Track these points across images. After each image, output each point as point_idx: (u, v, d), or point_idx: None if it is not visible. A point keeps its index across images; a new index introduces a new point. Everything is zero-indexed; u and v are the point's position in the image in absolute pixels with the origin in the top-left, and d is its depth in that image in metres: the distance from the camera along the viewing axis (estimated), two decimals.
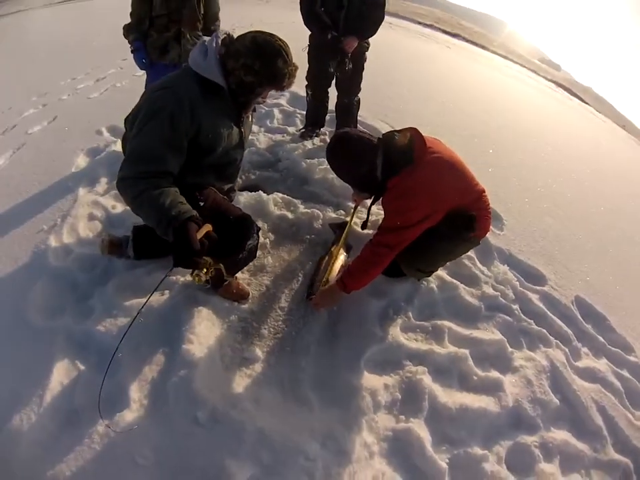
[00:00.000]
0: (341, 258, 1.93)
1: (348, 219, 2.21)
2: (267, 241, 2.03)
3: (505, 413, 1.50)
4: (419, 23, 15.63)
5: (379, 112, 3.41)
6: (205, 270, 1.14)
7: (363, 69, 2.77)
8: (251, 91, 1.31)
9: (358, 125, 3.19)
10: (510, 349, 1.73)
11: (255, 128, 3.17)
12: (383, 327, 1.68)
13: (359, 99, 2.93)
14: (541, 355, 1.77)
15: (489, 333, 1.80)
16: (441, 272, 2.02)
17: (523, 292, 2.09)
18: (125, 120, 1.41)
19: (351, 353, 1.57)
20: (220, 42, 1.28)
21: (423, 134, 1.59)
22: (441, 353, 1.62)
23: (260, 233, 1.60)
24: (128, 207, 2.08)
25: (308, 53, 2.70)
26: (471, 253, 2.22)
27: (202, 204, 1.24)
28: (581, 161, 5.23)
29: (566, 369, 1.73)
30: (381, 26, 2.56)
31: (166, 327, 1.50)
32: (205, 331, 1.50)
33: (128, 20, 2.24)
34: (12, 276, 1.69)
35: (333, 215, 2.26)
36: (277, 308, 1.72)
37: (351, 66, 2.57)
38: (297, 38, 2.75)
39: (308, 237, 2.13)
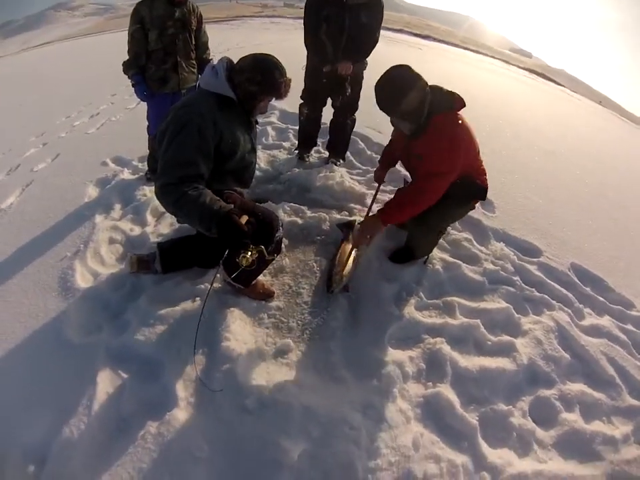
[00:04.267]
0: (353, 252, 2.06)
1: (353, 218, 2.38)
2: (282, 245, 2.16)
3: (521, 371, 1.64)
4: (389, 29, 16.16)
5: (365, 119, 3.60)
6: (250, 252, 1.27)
7: (361, 88, 2.73)
8: (254, 98, 1.54)
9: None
10: (517, 315, 1.88)
11: None
12: (399, 307, 1.82)
13: (355, 118, 2.93)
14: (547, 318, 1.92)
15: (495, 303, 1.95)
16: (442, 254, 2.18)
17: (521, 264, 2.25)
18: (149, 141, 1.57)
19: (374, 333, 1.71)
20: (225, 64, 1.53)
21: None
22: (455, 324, 1.76)
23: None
24: (147, 228, 2.26)
25: (305, 72, 2.73)
26: (467, 235, 2.40)
27: (232, 206, 1.39)
28: (561, 139, 5.48)
29: (572, 328, 1.89)
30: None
31: (202, 330, 1.60)
32: (239, 329, 1.63)
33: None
34: (44, 302, 1.78)
35: (338, 216, 2.42)
36: (301, 302, 1.86)
37: (349, 91, 2.56)
38: (295, 55, 2.92)
39: (318, 237, 2.29)
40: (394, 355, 1.59)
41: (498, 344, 1.73)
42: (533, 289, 2.08)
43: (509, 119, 5.53)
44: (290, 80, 1.57)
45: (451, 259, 2.15)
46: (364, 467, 1.22)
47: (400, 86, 1.60)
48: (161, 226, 2.31)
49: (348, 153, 3.21)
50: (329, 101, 2.79)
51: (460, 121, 1.66)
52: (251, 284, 1.80)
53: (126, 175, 2.82)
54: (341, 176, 2.80)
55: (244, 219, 1.35)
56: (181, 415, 1.32)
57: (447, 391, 1.49)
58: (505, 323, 1.85)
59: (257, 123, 1.79)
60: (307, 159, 3.08)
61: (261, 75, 1.48)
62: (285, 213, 2.38)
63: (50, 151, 3.40)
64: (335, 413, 1.33)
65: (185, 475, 1.18)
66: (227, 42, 8.87)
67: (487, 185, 1.86)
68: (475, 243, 2.36)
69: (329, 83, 2.55)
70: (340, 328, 1.75)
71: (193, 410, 1.35)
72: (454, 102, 1.66)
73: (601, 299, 2.17)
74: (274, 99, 1.59)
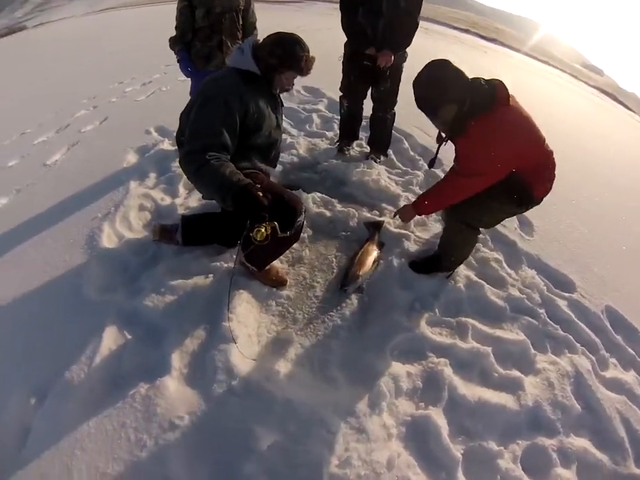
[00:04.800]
0: (375, 253, 2.04)
1: (382, 218, 2.34)
2: (305, 235, 2.16)
3: (524, 412, 1.52)
4: (455, 28, 15.41)
5: (414, 119, 3.46)
6: (264, 228, 1.28)
7: (400, 81, 2.64)
8: (275, 70, 1.58)
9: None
10: (533, 351, 1.75)
11: (294, 132, 3.35)
12: (410, 318, 1.76)
13: (395, 112, 2.84)
14: (566, 361, 1.77)
15: (512, 334, 1.82)
16: (468, 272, 2.07)
17: (550, 297, 2.09)
18: (181, 114, 1.63)
19: (378, 340, 1.66)
20: (251, 43, 1.60)
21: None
22: (464, 347, 1.67)
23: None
24: (177, 199, 2.32)
25: (343, 63, 2.68)
26: (498, 255, 2.26)
27: (259, 186, 1.40)
28: (622, 170, 5.02)
29: (591, 377, 1.72)
30: (416, 33, 2.49)
31: (209, 307, 1.64)
32: (244, 311, 1.64)
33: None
34: (69, 256, 1.90)
35: (368, 215, 2.37)
36: (312, 296, 1.85)
37: (389, 83, 2.50)
38: (333, 45, 2.86)
39: (344, 233, 2.26)
40: (392, 366, 1.54)
41: (505, 378, 1.62)
42: (558, 327, 1.93)
43: (568, 138, 5.13)
44: (313, 57, 1.59)
45: (475, 278, 2.04)
46: (330, 473, 1.19)
47: (439, 91, 1.54)
48: (191, 199, 2.36)
49: (390, 151, 3.12)
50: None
51: (501, 122, 1.52)
52: (265, 268, 1.81)
53: (166, 145, 2.91)
54: (378, 174, 2.73)
55: (261, 194, 1.34)
56: (171, 383, 1.37)
57: (437, 416, 1.42)
58: (518, 357, 1.73)
59: (282, 104, 1.81)
60: (347, 152, 3.03)
61: (281, 48, 1.54)
62: (314, 203, 2.37)
63: (99, 114, 3.58)
64: (316, 412, 1.31)
65: (161, 438, 1.22)
66: (289, 24, 8.85)
67: (538, 188, 1.69)
68: (504, 265, 2.22)
69: (368, 72, 2.48)
70: (345, 328, 1.73)
71: (183, 381, 1.40)
72: (495, 98, 1.52)
73: (631, 351, 1.96)
74: (296, 74, 1.62)
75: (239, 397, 1.34)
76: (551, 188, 1.75)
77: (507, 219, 2.11)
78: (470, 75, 1.59)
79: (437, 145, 1.82)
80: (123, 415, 1.27)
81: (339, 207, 2.38)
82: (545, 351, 1.80)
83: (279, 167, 2.70)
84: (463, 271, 2.07)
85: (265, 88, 1.62)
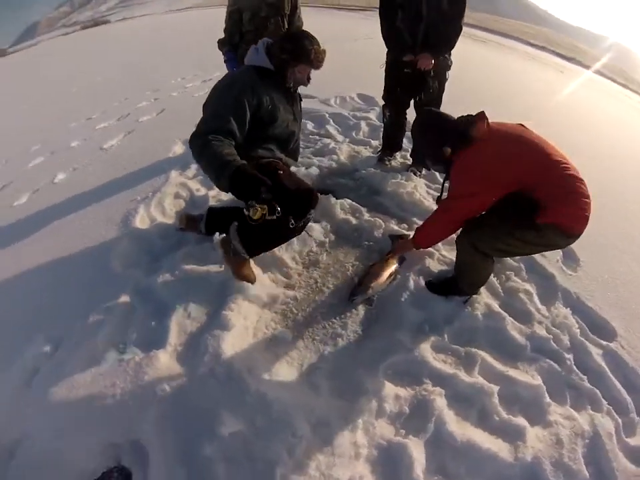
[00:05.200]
0: (392, 267, 1.97)
1: (408, 232, 2.25)
2: (327, 240, 2.17)
3: (518, 466, 1.34)
4: (529, 44, 14.52)
5: None
6: (260, 207, 1.29)
7: (443, 90, 2.55)
8: (287, 64, 1.66)
9: None
10: (548, 400, 1.56)
11: (340, 138, 3.39)
12: (415, 339, 1.67)
13: None
14: (585, 418, 1.55)
15: (527, 376, 1.65)
16: (490, 300, 1.92)
17: (582, 342, 1.86)
18: (203, 106, 1.74)
19: (374, 355, 1.60)
20: (265, 42, 1.71)
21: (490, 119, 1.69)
22: (466, 380, 1.54)
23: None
24: (210, 192, 2.46)
25: (385, 71, 2.63)
26: (530, 287, 2.07)
27: (281, 172, 1.50)
28: None
29: (611, 441, 1.48)
30: (458, 39, 2.36)
31: (216, 294, 1.72)
32: (247, 304, 1.69)
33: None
34: (105, 231, 2.11)
35: (395, 227, 2.31)
36: (319, 300, 1.85)
37: (436, 84, 2.40)
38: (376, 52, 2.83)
39: (367, 242, 2.22)
40: (382, 385, 1.46)
41: (506, 423, 1.45)
42: (585, 377, 1.70)
43: (635, 169, 4.58)
44: (323, 50, 1.67)
45: (497, 308, 1.89)
46: (283, 474, 1.17)
47: (422, 143, 1.89)
48: (224, 194, 2.48)
49: None
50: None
51: (479, 153, 1.63)
52: (254, 255, 1.77)
53: None
54: (415, 187, 2.66)
55: (257, 173, 1.39)
56: (163, 356, 1.46)
57: (416, 447, 1.31)
58: (528, 403, 1.55)
59: (300, 99, 1.89)
60: (388, 162, 2.98)
61: (291, 43, 1.64)
62: (342, 209, 2.37)
63: (158, 106, 3.93)
64: (287, 414, 1.29)
65: (141, 401, 1.32)
66: (356, 31, 9.00)
67: (559, 213, 1.55)
68: (535, 298, 2.02)
69: (409, 80, 2.42)
70: (344, 337, 1.69)
71: (175, 356, 1.50)
72: (471, 135, 1.65)
73: None
74: (307, 67, 1.69)
75: (219, 381, 1.37)
76: (584, 218, 1.59)
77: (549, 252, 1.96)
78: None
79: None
80: (115, 375, 1.40)
81: (366, 215, 2.35)
82: (563, 402, 1.60)
83: (315, 170, 2.75)
84: (484, 298, 1.93)
85: (279, 82, 1.70)
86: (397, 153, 3.05)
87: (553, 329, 1.89)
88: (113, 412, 1.29)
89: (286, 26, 2.58)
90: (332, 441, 1.27)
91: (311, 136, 3.42)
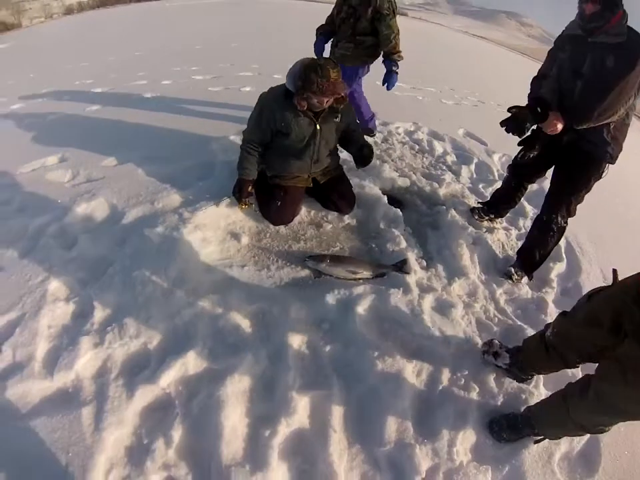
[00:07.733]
0: (366, 271, 1.97)
1: (415, 268, 2.04)
2: (347, 222, 2.35)
3: None
4: None
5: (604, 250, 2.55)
6: (241, 206, 2.21)
7: (589, 186, 1.95)
8: (297, 92, 1.93)
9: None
10: None
11: (462, 179, 3.10)
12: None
13: (567, 223, 2.05)
14: None
15: None
16: None
17: None
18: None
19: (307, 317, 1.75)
20: (300, 65, 1.93)
21: None
22: None
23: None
24: None
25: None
26: None
27: (251, 178, 2.18)
28: None
29: None
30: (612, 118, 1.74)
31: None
32: (228, 237, 2.15)
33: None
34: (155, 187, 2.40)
35: (413, 259, 2.10)
36: (287, 250, 2.13)
37: (535, 153, 1.99)
38: None
39: (376, 248, 2.23)
40: None
41: None
42: None
43: None
44: (331, 82, 1.84)
45: None
46: (212, 451, 1.25)
47: None
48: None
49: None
50: None
51: None
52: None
53: None
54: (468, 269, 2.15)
55: (250, 188, 2.18)
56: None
57: None
58: None
59: (337, 117, 2.12)
60: (478, 219, 2.54)
61: (304, 73, 1.85)
62: (385, 213, 2.40)
63: (258, 80, 4.84)
64: (246, 341, 1.60)
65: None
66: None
67: None
68: None
69: (542, 147, 2.00)
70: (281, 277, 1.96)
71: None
72: None
73: None
74: (314, 97, 1.90)
75: (189, 296, 1.73)
76: None
77: None
78: None
79: None
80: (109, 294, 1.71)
81: (396, 232, 2.24)
82: None
83: (405, 181, 2.73)
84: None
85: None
86: (494, 219, 2.58)
87: None
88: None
89: (360, 30, 2.71)
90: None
91: (444, 164, 3.28)
